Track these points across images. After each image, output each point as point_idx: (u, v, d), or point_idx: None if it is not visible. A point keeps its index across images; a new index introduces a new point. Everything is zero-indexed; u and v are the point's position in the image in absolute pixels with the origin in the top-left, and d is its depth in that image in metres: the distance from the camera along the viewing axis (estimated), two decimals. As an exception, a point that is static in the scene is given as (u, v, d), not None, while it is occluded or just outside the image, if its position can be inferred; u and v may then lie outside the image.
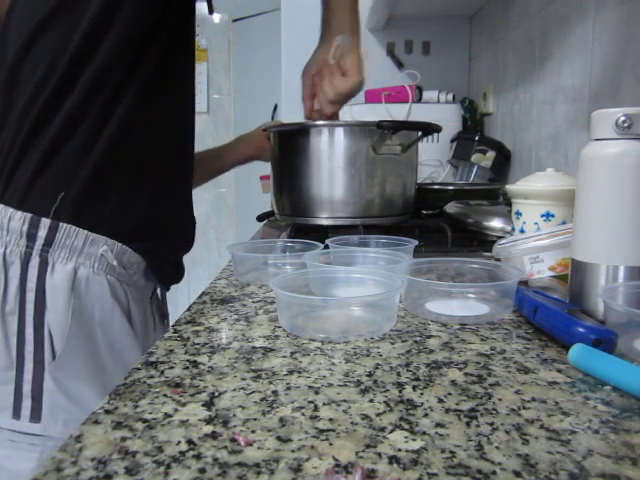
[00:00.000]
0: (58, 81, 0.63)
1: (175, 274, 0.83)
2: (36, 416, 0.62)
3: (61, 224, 0.63)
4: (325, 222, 0.99)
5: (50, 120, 0.64)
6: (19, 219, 0.63)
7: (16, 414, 0.62)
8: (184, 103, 0.79)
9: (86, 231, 0.64)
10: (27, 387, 0.62)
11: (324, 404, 0.36)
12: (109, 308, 0.66)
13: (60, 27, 0.64)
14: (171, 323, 0.55)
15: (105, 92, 0.65)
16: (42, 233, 0.63)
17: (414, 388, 0.39)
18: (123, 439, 0.32)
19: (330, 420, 0.34)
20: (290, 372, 0.41)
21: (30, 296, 0.62)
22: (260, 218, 1.25)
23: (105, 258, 0.65)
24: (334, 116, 0.94)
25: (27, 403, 0.62)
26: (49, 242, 0.63)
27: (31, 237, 0.63)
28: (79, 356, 0.63)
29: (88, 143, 0.65)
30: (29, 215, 0.63)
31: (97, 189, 0.65)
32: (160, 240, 0.74)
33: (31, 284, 0.62)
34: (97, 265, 0.65)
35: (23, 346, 0.62)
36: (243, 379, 0.40)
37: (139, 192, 0.69)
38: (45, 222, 0.63)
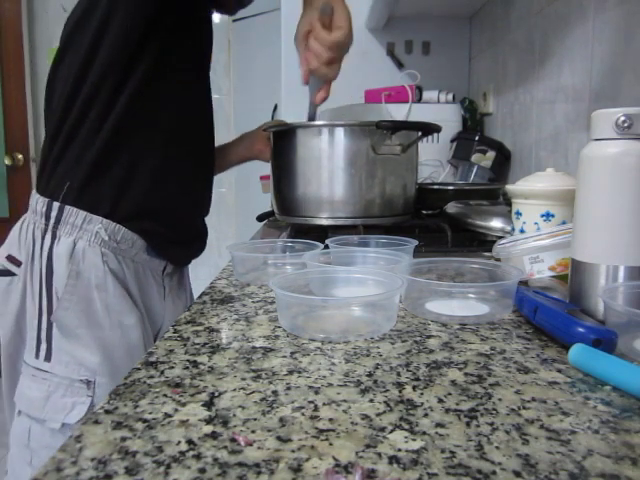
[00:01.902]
0: (72, 87, 0.78)
1: (186, 254, 0.95)
2: (48, 357, 0.77)
3: (67, 207, 0.78)
4: (325, 222, 0.99)
5: (64, 121, 0.78)
6: (41, 202, 0.80)
7: (37, 354, 0.77)
8: (188, 98, 0.87)
9: (85, 212, 0.78)
10: (43, 334, 0.77)
11: (324, 404, 0.36)
12: (102, 274, 0.79)
13: (73, 46, 0.79)
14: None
15: (104, 92, 0.77)
16: (54, 214, 0.79)
17: (414, 388, 0.39)
18: (123, 439, 0.32)
19: (330, 420, 0.34)
20: (290, 372, 0.41)
21: (44, 262, 0.78)
22: (260, 218, 1.25)
23: (99, 234, 0.78)
24: (331, 76, 0.89)
25: (43, 346, 0.77)
26: (58, 220, 0.78)
27: (47, 217, 0.79)
28: (76, 311, 0.77)
29: (90, 140, 0.78)
30: (47, 200, 0.79)
31: (95, 180, 0.79)
32: (158, 223, 0.84)
33: (45, 253, 0.78)
34: (93, 239, 0.78)
35: (41, 301, 0.78)
36: (243, 379, 0.40)
37: (135, 182, 0.80)
38: (56, 205, 0.79)
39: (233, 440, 0.31)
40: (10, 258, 0.82)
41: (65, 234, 0.78)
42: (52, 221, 0.78)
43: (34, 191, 0.83)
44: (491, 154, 1.50)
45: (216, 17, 2.98)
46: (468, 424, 0.33)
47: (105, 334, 0.78)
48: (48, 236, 0.78)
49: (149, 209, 0.83)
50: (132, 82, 0.77)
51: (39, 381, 0.77)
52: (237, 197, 2.94)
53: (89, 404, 0.75)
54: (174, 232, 0.88)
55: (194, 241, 0.96)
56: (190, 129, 0.87)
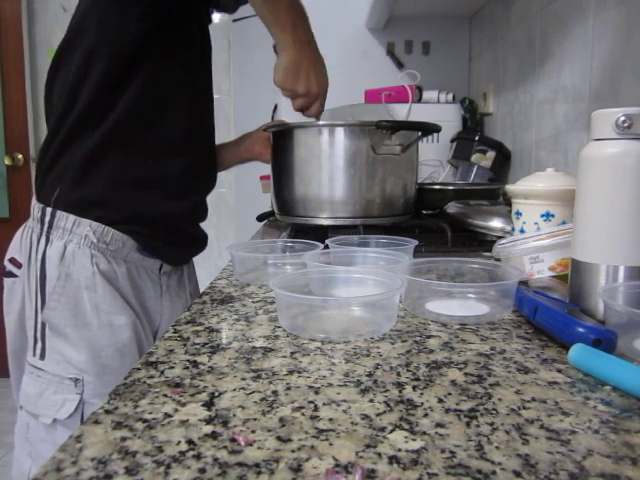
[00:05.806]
0: (66, 100, 0.81)
1: (181, 254, 0.96)
2: (42, 355, 0.80)
3: (58, 212, 0.81)
4: (325, 222, 0.99)
5: (57, 134, 0.82)
6: (37, 208, 0.83)
7: (34, 353, 0.81)
8: (185, 108, 0.88)
9: (75, 216, 0.81)
10: (39, 333, 0.81)
11: (324, 404, 0.36)
12: (91, 275, 0.81)
13: (66, 63, 0.82)
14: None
15: (97, 109, 0.80)
16: (47, 219, 0.82)
17: (414, 388, 0.39)
18: (123, 439, 0.32)
19: (330, 420, 0.34)
20: (290, 372, 0.41)
21: (39, 265, 0.81)
22: (260, 218, 1.25)
23: (88, 237, 0.81)
24: (310, 111, 0.97)
25: (39, 345, 0.81)
26: (51, 225, 0.81)
27: (42, 222, 0.82)
28: (64, 312, 0.79)
29: (79, 149, 0.81)
30: (42, 206, 0.82)
31: (82, 186, 0.82)
32: (147, 226, 0.85)
33: (39, 256, 0.81)
34: (82, 242, 0.81)
35: (37, 302, 0.81)
36: (243, 379, 0.40)
37: (122, 188, 0.83)
38: (48, 210, 0.82)
39: (233, 440, 0.31)
40: (13, 260, 0.86)
41: (57, 238, 0.81)
42: (46, 226, 0.81)
43: (34, 198, 0.86)
44: (491, 154, 1.50)
45: (216, 17, 2.98)
46: (468, 424, 0.33)
47: (93, 333, 0.80)
48: (42, 240, 0.81)
49: (137, 214, 0.84)
50: (126, 96, 0.79)
51: (34, 378, 0.80)
52: (237, 197, 2.94)
53: (78, 401, 0.78)
54: (165, 235, 0.89)
55: (189, 244, 0.97)
56: (185, 139, 0.87)
